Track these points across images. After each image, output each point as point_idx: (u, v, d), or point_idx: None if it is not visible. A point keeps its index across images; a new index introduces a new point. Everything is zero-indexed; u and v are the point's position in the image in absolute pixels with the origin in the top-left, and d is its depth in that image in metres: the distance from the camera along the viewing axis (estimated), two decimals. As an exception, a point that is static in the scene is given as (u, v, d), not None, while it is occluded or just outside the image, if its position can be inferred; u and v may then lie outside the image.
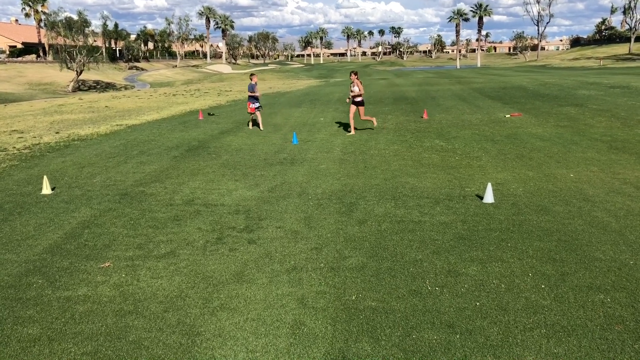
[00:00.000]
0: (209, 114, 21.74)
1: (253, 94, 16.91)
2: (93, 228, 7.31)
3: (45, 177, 9.61)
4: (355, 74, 15.18)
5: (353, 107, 15.46)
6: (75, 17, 60.40)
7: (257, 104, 17.10)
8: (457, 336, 4.25)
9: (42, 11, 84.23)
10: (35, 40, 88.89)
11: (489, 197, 8.02)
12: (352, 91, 15.20)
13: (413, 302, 4.84)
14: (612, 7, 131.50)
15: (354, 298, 4.98)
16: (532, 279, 5.27)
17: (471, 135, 14.49)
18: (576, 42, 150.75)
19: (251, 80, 17.17)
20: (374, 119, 16.34)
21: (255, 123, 17.79)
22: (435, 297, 4.94)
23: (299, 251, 6.25)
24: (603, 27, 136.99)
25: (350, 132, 15.61)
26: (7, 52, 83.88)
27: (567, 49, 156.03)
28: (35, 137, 16.41)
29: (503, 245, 6.19)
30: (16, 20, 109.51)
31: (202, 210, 8.01)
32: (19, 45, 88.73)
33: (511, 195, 8.32)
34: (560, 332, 4.27)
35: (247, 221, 7.46)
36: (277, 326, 4.51)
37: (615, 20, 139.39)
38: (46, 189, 9.35)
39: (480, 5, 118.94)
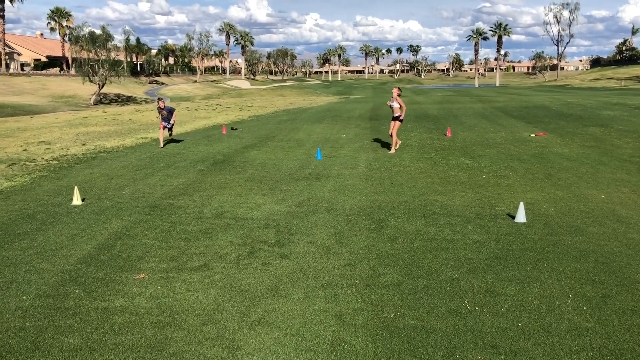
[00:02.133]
0: (232, 129, 21.91)
1: (165, 115, 17.36)
2: (125, 239, 7.36)
3: (76, 188, 9.72)
4: (398, 90, 15.08)
5: (392, 123, 15.25)
6: (98, 32, 61.48)
7: (169, 124, 17.46)
8: (502, 357, 4.18)
9: (67, 25, 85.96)
10: (59, 54, 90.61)
11: (521, 217, 7.93)
12: (391, 107, 15.13)
13: (453, 322, 4.78)
14: (633, 27, 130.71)
15: (392, 316, 4.93)
16: (573, 300, 5.19)
17: (497, 154, 14.40)
18: (596, 63, 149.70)
19: (161, 103, 17.77)
20: (397, 143, 15.55)
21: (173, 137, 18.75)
22: (475, 316, 4.87)
23: (332, 267, 6.22)
24: (624, 47, 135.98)
25: (391, 150, 15.32)
26: (32, 65, 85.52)
27: (586, 69, 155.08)
28: (62, 149, 16.64)
29: (540, 266, 6.11)
30: (41, 34, 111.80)
31: (232, 224, 8.03)
32: (43, 59, 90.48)
33: (543, 215, 8.23)
34: (607, 355, 4.18)
35: (277, 235, 7.45)
36: (318, 342, 4.48)
37: (637, 41, 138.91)
38: (76, 200, 9.44)
39: (500, 25, 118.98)
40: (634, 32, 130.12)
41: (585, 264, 6.16)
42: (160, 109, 17.50)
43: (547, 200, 9.21)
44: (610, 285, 5.54)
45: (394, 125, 15.11)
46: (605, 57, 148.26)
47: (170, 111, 17.43)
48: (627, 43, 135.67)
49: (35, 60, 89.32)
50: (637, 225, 7.63)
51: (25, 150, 16.50)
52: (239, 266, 6.28)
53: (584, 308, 5.01)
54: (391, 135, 15.35)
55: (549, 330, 4.59)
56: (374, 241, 7.13)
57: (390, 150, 15.36)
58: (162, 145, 17.08)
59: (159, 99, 18.50)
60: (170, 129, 17.61)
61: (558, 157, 13.70)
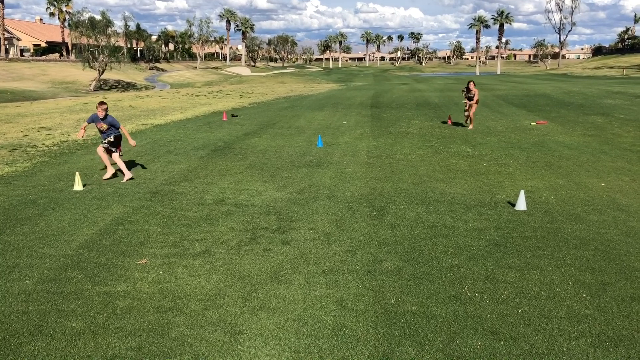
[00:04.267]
0: (232, 115, 21.86)
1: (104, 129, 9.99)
2: (127, 225, 7.39)
3: (77, 173, 9.73)
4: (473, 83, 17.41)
5: (468, 104, 17.44)
6: (98, 17, 61.15)
7: (106, 144, 10.05)
8: (502, 343, 4.22)
9: (66, 11, 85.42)
10: (59, 39, 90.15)
11: (521, 205, 7.96)
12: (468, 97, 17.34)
13: (453, 308, 4.82)
14: (635, 16, 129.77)
15: (393, 302, 4.97)
16: (573, 287, 5.22)
17: (497, 142, 14.39)
18: (598, 51, 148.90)
19: (101, 110, 9.84)
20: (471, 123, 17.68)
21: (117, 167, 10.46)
22: (475, 303, 4.91)
23: (333, 253, 6.25)
24: (626, 36, 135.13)
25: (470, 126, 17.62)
26: (32, 51, 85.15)
27: (588, 57, 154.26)
28: (63, 135, 16.62)
29: (540, 253, 6.14)
30: (41, 19, 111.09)
31: (234, 210, 8.05)
32: (43, 44, 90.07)
33: (543, 203, 8.25)
34: (606, 342, 4.22)
35: (278, 222, 7.48)
36: (319, 327, 4.52)
37: (639, 30, 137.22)
38: (78, 186, 9.45)
39: (502, 13, 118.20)
40: (636, 21, 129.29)
41: (585, 251, 6.19)
42: (96, 120, 9.95)
43: (547, 188, 9.22)
44: (609, 272, 5.57)
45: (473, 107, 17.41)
46: (607, 45, 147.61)
47: (113, 125, 10.09)
48: (629, 31, 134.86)
49: (34, 45, 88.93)
50: (637, 213, 7.65)
51: (26, 135, 16.48)
52: (240, 252, 6.31)
53: (584, 295, 5.05)
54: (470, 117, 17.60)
55: (549, 317, 4.63)
56: (375, 228, 7.16)
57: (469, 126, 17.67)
58: (109, 175, 10.22)
59: (100, 102, 9.95)
60: (114, 150, 10.12)
61: (559, 145, 13.70)
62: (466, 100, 17.53)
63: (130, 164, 11.69)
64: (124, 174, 10.12)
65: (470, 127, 17.56)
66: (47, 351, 4.20)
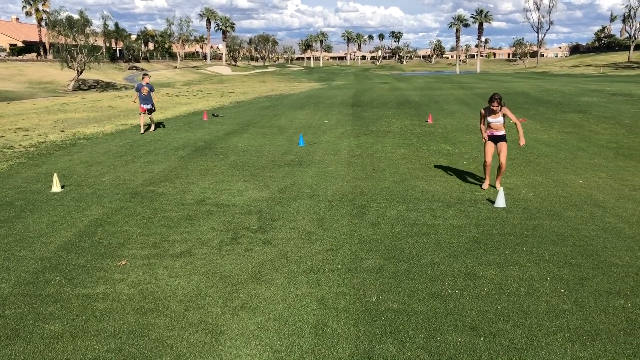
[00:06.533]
0: (213, 115, 21.75)
1: (145, 93, 16.91)
2: (106, 226, 7.31)
3: (55, 175, 9.60)
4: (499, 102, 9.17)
5: (492, 145, 9.34)
6: (76, 17, 60.34)
7: (150, 105, 17.04)
8: (482, 339, 4.26)
9: (43, 10, 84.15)
10: (36, 39, 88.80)
11: (500, 202, 8.04)
12: (490, 124, 9.46)
13: (434, 305, 4.85)
14: (611, 15, 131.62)
15: (374, 300, 4.98)
16: (551, 283, 5.29)
17: (477, 139, 14.51)
18: (575, 50, 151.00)
19: (147, 79, 17.31)
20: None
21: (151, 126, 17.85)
22: (455, 299, 4.95)
23: (314, 252, 6.25)
24: (602, 35, 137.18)
25: (484, 186, 9.22)
26: (8, 50, 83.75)
27: (566, 56, 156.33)
28: (40, 135, 16.39)
29: (519, 250, 6.21)
30: (17, 18, 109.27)
31: (214, 210, 8.01)
32: (20, 44, 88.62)
33: (522, 200, 8.35)
34: (584, 336, 4.28)
35: (260, 222, 7.46)
36: (300, 326, 4.52)
37: (615, 29, 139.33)
38: (56, 187, 9.33)
39: (481, 12, 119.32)
40: (612, 19, 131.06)
41: (563, 247, 6.27)
42: (141, 87, 16.95)
43: (526, 185, 9.33)
44: (587, 267, 5.66)
45: (503, 148, 9.26)
46: (584, 44, 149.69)
47: (151, 89, 17.24)
48: (606, 30, 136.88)
49: (11, 45, 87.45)
50: (613, 209, 7.77)
51: (2, 136, 16.22)
52: (221, 252, 6.28)
53: (562, 290, 5.12)
54: (501, 166, 9.12)
55: (528, 312, 4.68)
56: (356, 226, 7.18)
57: (496, 185, 9.23)
58: (142, 131, 16.99)
59: (145, 74, 17.63)
60: (150, 112, 17.14)
61: (537, 143, 13.86)
62: (486, 130, 9.49)
63: (109, 166, 11.59)
64: (151, 126, 17.67)
65: (498, 185, 9.03)
66: (24, 355, 4.14)
